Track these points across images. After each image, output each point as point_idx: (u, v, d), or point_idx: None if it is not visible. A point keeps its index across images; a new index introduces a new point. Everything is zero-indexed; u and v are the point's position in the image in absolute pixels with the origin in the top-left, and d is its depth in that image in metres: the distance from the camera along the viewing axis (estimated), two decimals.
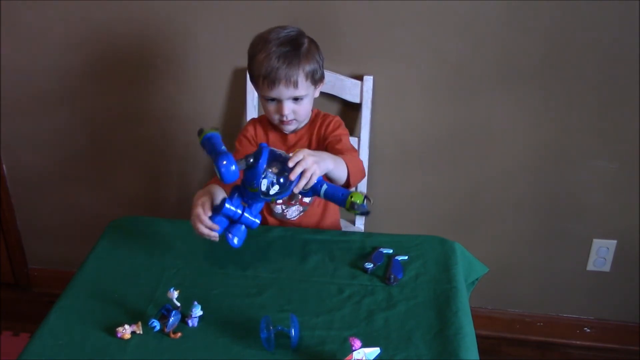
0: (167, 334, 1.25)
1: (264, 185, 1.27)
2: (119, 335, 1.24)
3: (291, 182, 1.28)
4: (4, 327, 2.29)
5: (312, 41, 1.59)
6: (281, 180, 1.28)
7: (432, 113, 1.96)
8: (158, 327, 1.26)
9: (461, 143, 1.99)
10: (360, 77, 1.89)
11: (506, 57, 1.85)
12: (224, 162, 1.22)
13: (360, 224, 2.00)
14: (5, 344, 2.21)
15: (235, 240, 1.33)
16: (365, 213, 1.32)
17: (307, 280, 1.42)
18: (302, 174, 1.28)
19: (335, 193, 1.34)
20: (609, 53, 1.81)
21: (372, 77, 1.89)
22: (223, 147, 1.27)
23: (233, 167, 1.23)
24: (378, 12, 1.83)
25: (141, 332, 1.25)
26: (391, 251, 1.49)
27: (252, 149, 1.64)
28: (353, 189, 1.39)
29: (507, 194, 2.05)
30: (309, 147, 1.66)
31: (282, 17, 1.83)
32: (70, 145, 2.18)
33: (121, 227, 1.61)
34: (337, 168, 1.40)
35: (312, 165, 1.29)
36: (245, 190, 1.31)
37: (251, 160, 1.27)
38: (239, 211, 1.32)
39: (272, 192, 1.28)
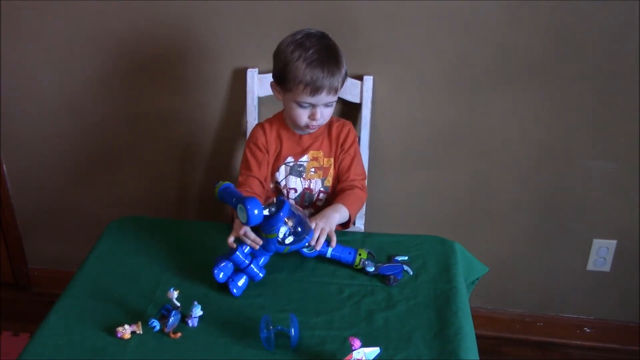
0: (167, 334, 1.25)
1: (281, 233, 1.36)
2: (119, 335, 1.24)
3: (304, 237, 1.40)
4: (4, 327, 2.29)
5: (337, 45, 1.60)
6: (297, 230, 1.38)
7: (432, 113, 1.96)
8: (158, 327, 1.26)
9: (461, 143, 1.99)
10: (360, 77, 1.89)
11: (506, 56, 1.85)
12: (253, 206, 1.30)
13: (360, 224, 2.00)
14: (5, 344, 2.21)
15: (235, 291, 1.38)
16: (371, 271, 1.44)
17: (307, 280, 1.42)
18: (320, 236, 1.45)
19: (342, 255, 1.47)
20: (609, 53, 1.81)
21: (372, 77, 1.89)
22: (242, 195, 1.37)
23: (256, 212, 1.30)
24: (378, 12, 1.83)
25: (141, 332, 1.26)
26: (406, 258, 1.48)
27: (266, 158, 1.66)
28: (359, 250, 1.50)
29: (507, 193, 2.05)
30: (326, 151, 1.68)
31: (282, 18, 1.83)
32: (70, 145, 2.18)
33: (121, 227, 1.61)
34: (342, 218, 1.58)
35: (326, 228, 1.46)
36: (260, 237, 1.39)
37: (273, 209, 1.36)
38: (247, 261, 1.38)
39: (287, 241, 1.38)
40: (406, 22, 1.84)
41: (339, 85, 1.56)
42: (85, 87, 2.07)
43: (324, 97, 1.54)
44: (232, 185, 1.40)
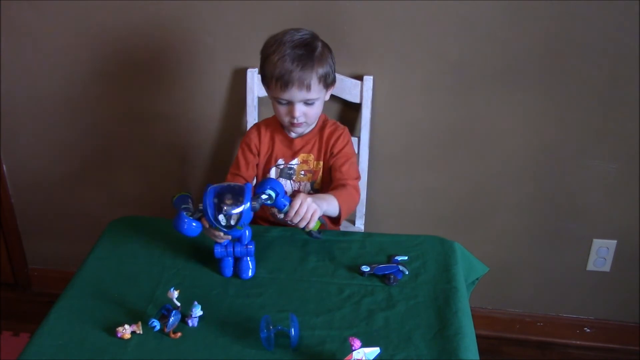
0: (167, 334, 1.25)
1: (223, 221, 1.32)
2: (119, 335, 1.24)
3: (250, 205, 1.32)
4: (4, 327, 2.29)
5: (325, 45, 1.59)
6: (235, 208, 1.32)
7: (432, 113, 1.96)
8: (158, 327, 1.26)
9: (461, 143, 1.99)
10: (360, 77, 1.89)
11: (506, 57, 1.85)
12: (184, 221, 1.35)
13: (360, 224, 2.00)
14: (5, 344, 2.21)
15: (250, 272, 1.42)
16: (317, 238, 1.48)
17: (307, 280, 1.42)
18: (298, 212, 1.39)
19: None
20: (609, 53, 1.81)
21: (372, 77, 1.89)
22: (184, 206, 1.39)
23: (194, 224, 1.35)
24: (378, 12, 1.83)
25: (141, 332, 1.25)
26: (406, 258, 1.48)
27: (256, 160, 1.66)
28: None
29: (507, 193, 2.05)
30: (316, 154, 1.67)
31: (282, 18, 1.83)
32: (70, 146, 2.18)
33: (121, 227, 1.61)
34: (329, 209, 1.49)
35: (312, 205, 1.39)
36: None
37: (200, 207, 1.35)
38: (230, 249, 1.41)
39: (233, 221, 1.33)
40: (406, 22, 1.84)
41: (314, 82, 1.53)
42: (85, 87, 2.07)
43: (296, 93, 1.52)
44: (184, 197, 1.43)
